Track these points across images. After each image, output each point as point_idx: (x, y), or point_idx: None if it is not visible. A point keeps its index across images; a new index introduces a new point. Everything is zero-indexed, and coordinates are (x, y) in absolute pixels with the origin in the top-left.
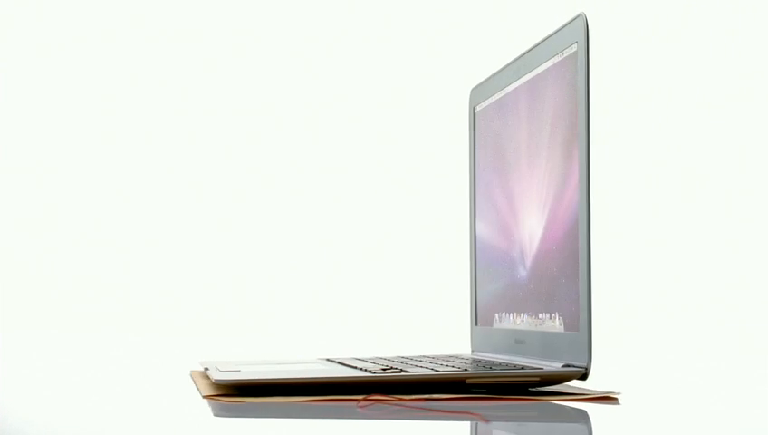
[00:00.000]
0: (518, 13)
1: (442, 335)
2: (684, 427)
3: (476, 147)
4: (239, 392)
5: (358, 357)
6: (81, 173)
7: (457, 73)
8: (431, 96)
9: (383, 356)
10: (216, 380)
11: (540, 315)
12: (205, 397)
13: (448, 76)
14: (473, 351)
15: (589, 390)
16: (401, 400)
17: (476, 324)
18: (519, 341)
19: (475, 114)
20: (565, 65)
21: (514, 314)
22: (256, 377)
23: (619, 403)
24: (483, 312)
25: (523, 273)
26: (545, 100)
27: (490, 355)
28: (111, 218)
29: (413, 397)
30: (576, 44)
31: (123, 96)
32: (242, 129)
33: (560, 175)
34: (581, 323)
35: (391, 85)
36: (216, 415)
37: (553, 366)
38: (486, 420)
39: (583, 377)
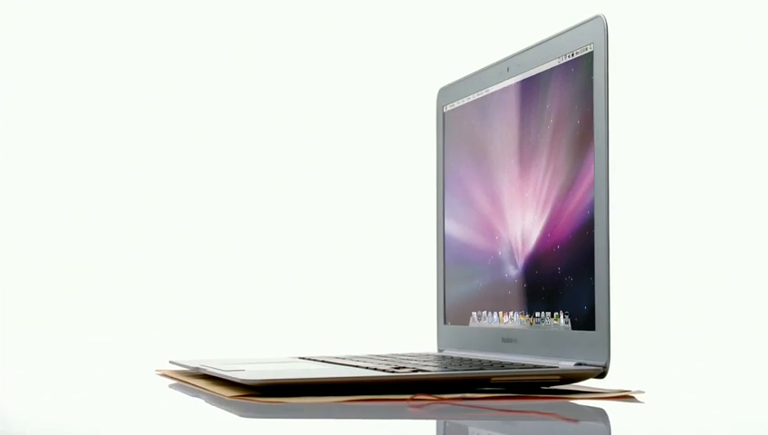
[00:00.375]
0: (483, 18)
1: (401, 334)
2: (712, 425)
3: (447, 146)
4: (261, 393)
5: (338, 356)
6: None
7: (425, 75)
8: (399, 96)
9: (359, 355)
10: (248, 380)
11: (537, 314)
12: (232, 398)
13: (417, 77)
14: (440, 349)
15: (605, 388)
16: (453, 399)
17: (446, 323)
18: (508, 339)
19: (444, 114)
20: (576, 65)
21: (500, 312)
22: (293, 377)
23: (638, 401)
24: (454, 310)
25: (512, 271)
26: (547, 99)
27: (470, 353)
28: (76, 217)
29: (454, 396)
30: (592, 45)
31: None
32: (211, 128)
33: (565, 175)
34: (599, 321)
35: (359, 85)
36: (265, 416)
37: (567, 364)
38: (575, 421)
39: (601, 375)
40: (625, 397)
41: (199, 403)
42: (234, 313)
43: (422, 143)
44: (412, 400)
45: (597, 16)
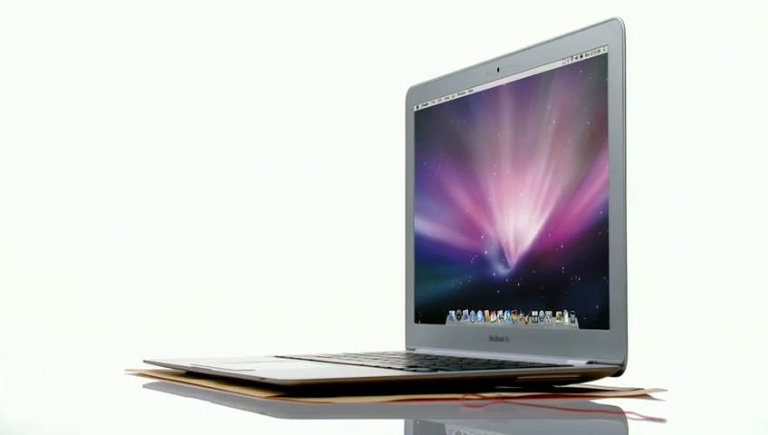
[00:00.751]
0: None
1: (362, 333)
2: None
3: (419, 145)
4: (291, 393)
5: (320, 355)
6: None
7: (395, 74)
8: (367, 95)
9: (340, 353)
10: (283, 380)
11: (535, 313)
12: (268, 398)
13: (385, 76)
14: (410, 348)
15: (621, 387)
16: (500, 398)
17: (417, 322)
18: (498, 338)
19: (416, 113)
20: (585, 67)
21: (486, 311)
22: (330, 377)
23: (658, 399)
24: (427, 309)
25: (502, 271)
26: (548, 100)
27: (451, 351)
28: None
29: (498, 395)
30: (606, 47)
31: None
32: (181, 127)
33: (571, 176)
34: (614, 320)
35: (327, 82)
36: (322, 417)
37: (579, 363)
38: (662, 420)
39: (618, 374)
40: (643, 395)
41: (228, 405)
42: (195, 311)
43: (392, 142)
44: (465, 399)
45: (613, 19)
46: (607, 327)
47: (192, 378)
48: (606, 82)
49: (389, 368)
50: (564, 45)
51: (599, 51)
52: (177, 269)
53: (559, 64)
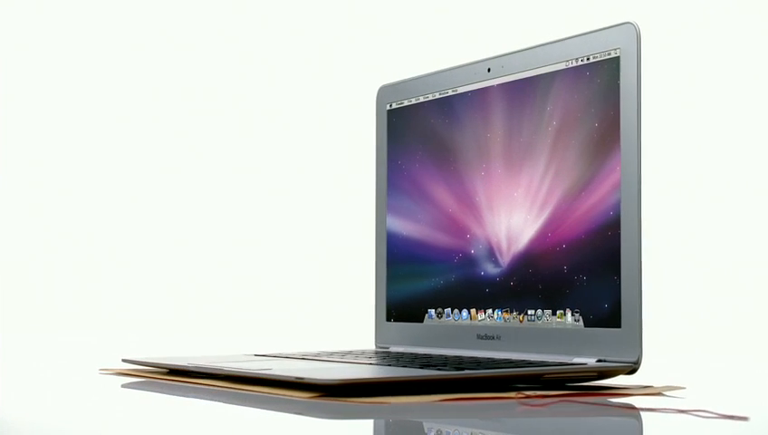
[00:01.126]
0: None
1: (325, 332)
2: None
3: (392, 144)
4: (328, 393)
5: (302, 353)
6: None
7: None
8: (340, 94)
9: (321, 351)
10: (326, 380)
11: (532, 312)
12: (311, 398)
13: (356, 75)
14: (381, 346)
15: (632, 384)
16: (558, 395)
17: (390, 320)
18: (488, 336)
19: (389, 111)
20: (593, 69)
21: (472, 310)
22: (376, 376)
23: (674, 398)
24: (402, 308)
25: (492, 270)
26: (548, 101)
27: (434, 350)
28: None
29: (547, 393)
30: (618, 50)
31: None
32: (141, 127)
33: (574, 176)
34: (627, 318)
35: (296, 82)
36: (376, 416)
37: (590, 361)
38: (745, 419)
39: (632, 372)
40: (658, 394)
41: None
42: (168, 309)
43: (364, 140)
44: (525, 397)
45: (627, 23)
46: (618, 325)
47: (178, 376)
48: (617, 85)
49: (401, 366)
50: (568, 48)
51: (609, 54)
52: (135, 269)
53: (561, 66)
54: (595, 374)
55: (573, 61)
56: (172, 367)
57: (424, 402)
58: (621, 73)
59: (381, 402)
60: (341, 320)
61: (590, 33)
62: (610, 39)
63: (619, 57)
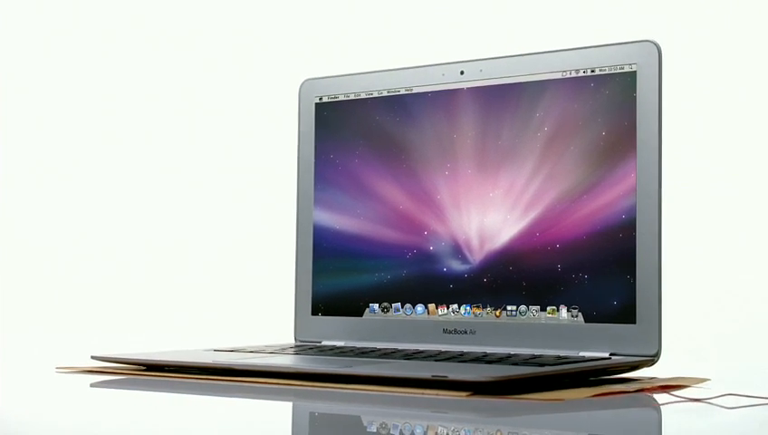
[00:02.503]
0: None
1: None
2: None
3: (323, 138)
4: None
5: (256, 346)
6: None
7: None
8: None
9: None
10: (477, 378)
11: (512, 307)
12: (467, 397)
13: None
14: (301, 340)
15: (651, 377)
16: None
17: (316, 314)
18: (459, 331)
19: (317, 105)
20: (598, 81)
21: (431, 305)
22: (522, 372)
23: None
24: (333, 302)
25: (458, 267)
26: (537, 107)
27: (380, 344)
28: None
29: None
30: (635, 65)
31: None
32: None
33: (571, 180)
34: (642, 315)
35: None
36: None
37: (601, 355)
38: None
39: (651, 365)
40: (675, 386)
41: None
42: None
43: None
44: (608, 393)
45: (647, 41)
46: (633, 321)
47: (159, 372)
48: (633, 98)
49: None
50: (571, 58)
51: (623, 68)
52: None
53: (556, 76)
54: (627, 368)
55: (573, 72)
56: (174, 364)
57: (575, 398)
58: (638, 87)
59: (554, 399)
60: (248, 313)
61: (601, 46)
62: (627, 54)
63: (635, 72)
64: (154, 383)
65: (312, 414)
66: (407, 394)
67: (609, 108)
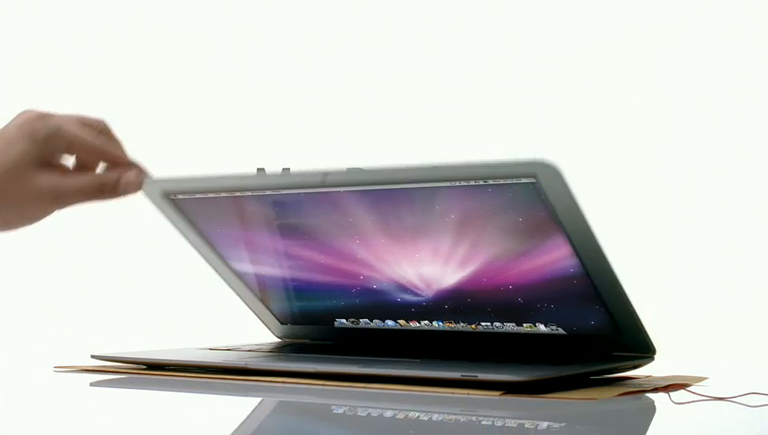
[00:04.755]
0: None
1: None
2: None
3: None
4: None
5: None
6: None
7: None
8: None
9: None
10: (514, 378)
11: (486, 324)
12: (501, 396)
13: None
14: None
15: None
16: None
17: (285, 324)
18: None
19: (174, 200)
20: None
21: (401, 320)
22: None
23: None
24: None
25: (413, 298)
26: (435, 202)
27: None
28: None
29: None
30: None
31: None
32: None
33: (500, 249)
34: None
35: None
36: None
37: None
38: None
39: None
40: (680, 386)
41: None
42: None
43: None
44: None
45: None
46: (619, 332)
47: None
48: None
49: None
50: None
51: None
52: None
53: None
54: (632, 367)
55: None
56: (176, 363)
57: (605, 398)
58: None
59: (587, 398)
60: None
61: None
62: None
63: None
64: (155, 382)
65: (332, 413)
66: (433, 393)
67: (515, 206)
